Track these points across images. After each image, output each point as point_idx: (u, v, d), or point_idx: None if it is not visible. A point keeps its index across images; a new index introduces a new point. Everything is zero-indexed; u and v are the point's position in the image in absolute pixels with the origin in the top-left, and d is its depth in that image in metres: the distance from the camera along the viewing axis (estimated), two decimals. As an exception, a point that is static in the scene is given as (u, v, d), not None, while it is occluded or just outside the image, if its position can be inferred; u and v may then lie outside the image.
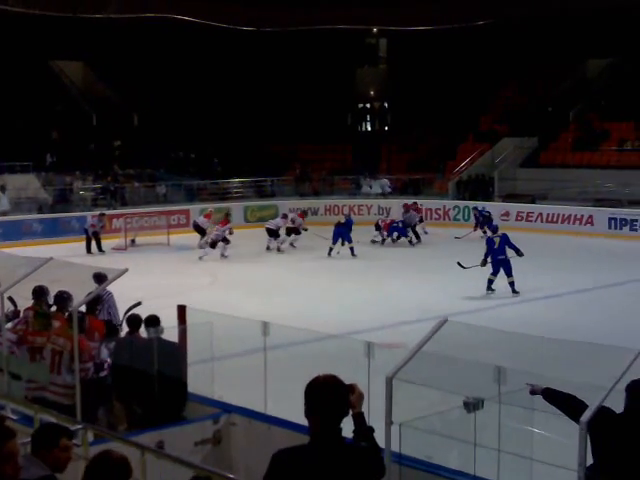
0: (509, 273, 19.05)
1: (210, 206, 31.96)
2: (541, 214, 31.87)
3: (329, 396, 4.21)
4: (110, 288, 10.84)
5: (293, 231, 28.16)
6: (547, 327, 15.01)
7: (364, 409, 6.81)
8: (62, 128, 38.65)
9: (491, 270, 19.31)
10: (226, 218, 27.56)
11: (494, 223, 20.36)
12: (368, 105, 50.60)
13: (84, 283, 9.92)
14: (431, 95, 41.84)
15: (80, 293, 9.62)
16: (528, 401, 6.56)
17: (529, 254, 25.04)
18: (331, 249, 25.85)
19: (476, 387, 6.68)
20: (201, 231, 28.21)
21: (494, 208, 32.74)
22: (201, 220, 28.86)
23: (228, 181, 38.55)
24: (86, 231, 28.06)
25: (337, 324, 15.66)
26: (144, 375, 8.88)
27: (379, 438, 6.05)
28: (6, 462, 4.60)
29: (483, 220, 28.46)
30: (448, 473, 6.66)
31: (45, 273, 9.84)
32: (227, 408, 8.89)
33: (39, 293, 10.26)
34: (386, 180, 38.02)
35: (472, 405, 6.33)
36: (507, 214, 32.52)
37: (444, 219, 34.41)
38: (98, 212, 29.42)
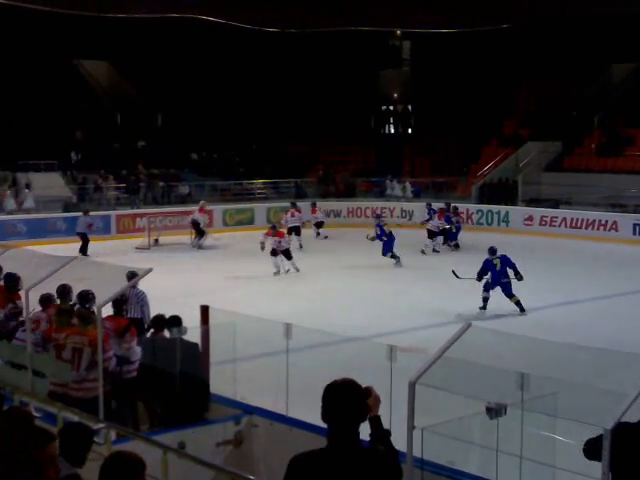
0: (510, 294, 17.97)
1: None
2: (565, 219, 31.70)
3: (347, 400, 4.20)
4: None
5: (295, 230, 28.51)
6: (569, 333, 14.93)
7: (385, 413, 6.82)
8: (87, 127, 38.88)
9: (483, 289, 18.22)
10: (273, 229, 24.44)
11: (493, 245, 18.76)
12: (391, 107, 50.56)
13: (108, 281, 9.96)
14: (455, 98, 41.75)
15: (105, 291, 9.66)
16: (551, 408, 6.53)
17: (552, 259, 25.05)
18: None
19: (499, 393, 6.65)
20: (197, 228, 28.49)
21: (518, 212, 32.62)
22: (197, 216, 29.00)
23: (251, 182, 38.63)
24: (80, 233, 27.41)
25: (359, 327, 15.65)
26: (167, 375, 8.91)
27: (401, 443, 6.07)
28: (48, 465, 4.64)
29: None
30: (470, 479, 6.64)
31: (69, 271, 9.89)
32: (249, 409, 8.90)
33: (63, 292, 10.33)
34: (409, 183, 37.96)
35: (495, 411, 6.30)
36: (531, 219, 32.39)
37: (467, 223, 34.26)
38: (83, 210, 28.95)
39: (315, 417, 6.95)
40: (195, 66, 41.78)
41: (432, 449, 6.28)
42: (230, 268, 23.71)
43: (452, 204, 30.56)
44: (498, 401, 6.41)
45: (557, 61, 40.15)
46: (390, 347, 7.79)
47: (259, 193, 38.20)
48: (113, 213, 32.36)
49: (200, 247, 28.43)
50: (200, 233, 28.78)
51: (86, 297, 9.69)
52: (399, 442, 6.05)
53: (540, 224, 32.10)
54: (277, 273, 22.60)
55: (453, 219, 28.71)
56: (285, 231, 28.20)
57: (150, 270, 9.04)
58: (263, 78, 43.11)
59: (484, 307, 17.96)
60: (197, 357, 9.20)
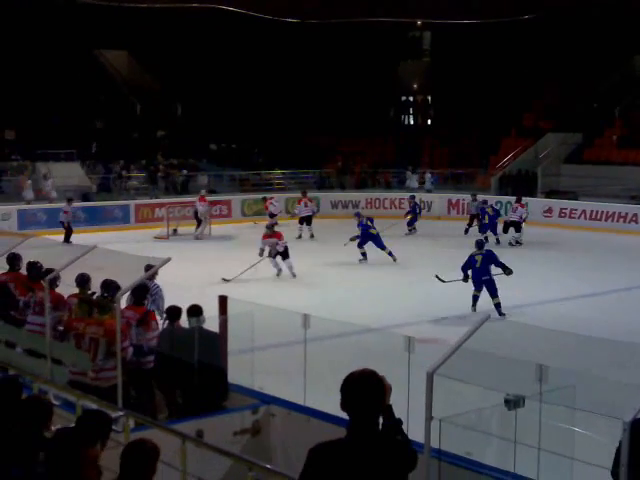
0: (494, 294, 16.95)
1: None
2: (584, 211, 31.51)
3: (366, 391, 4.19)
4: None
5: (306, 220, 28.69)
6: (588, 325, 14.86)
7: (403, 403, 6.82)
8: (106, 117, 39.02)
9: (473, 287, 17.36)
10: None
11: (479, 239, 17.96)
12: (411, 98, 50.43)
13: (128, 271, 9.98)
14: (474, 89, 41.61)
15: (124, 281, 9.69)
16: (569, 400, 6.50)
17: (572, 251, 24.92)
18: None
19: (517, 385, 6.63)
20: (196, 218, 28.73)
21: (537, 204, 32.42)
22: (197, 205, 29.09)
23: (269, 172, 38.64)
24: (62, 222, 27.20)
25: (376, 317, 15.64)
26: (185, 364, 8.94)
27: (419, 433, 6.07)
28: (90, 467, 4.70)
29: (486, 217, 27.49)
30: (487, 470, 6.62)
31: (89, 261, 9.93)
32: (266, 399, 8.92)
33: (82, 281, 10.37)
34: (429, 174, 37.83)
35: (513, 403, 6.28)
36: (550, 210, 32.23)
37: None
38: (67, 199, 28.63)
39: (332, 407, 6.97)
40: (215, 56, 41.84)
41: (450, 440, 6.27)
42: (247, 258, 23.68)
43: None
44: (516, 393, 6.39)
45: (578, 52, 39.87)
46: (408, 338, 7.78)
47: (277, 184, 38.20)
48: (132, 203, 32.47)
49: (197, 238, 28.32)
50: (199, 223, 28.82)
51: (110, 286, 9.69)
52: (416, 432, 6.07)
53: (559, 216, 31.94)
54: (279, 274, 21.17)
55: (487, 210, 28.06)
56: (297, 220, 28.51)
57: (168, 260, 9.06)
58: (283, 69, 43.12)
59: (474, 306, 17.05)
60: (216, 346, 9.22)
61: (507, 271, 17.54)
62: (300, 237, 28.26)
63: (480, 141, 40.37)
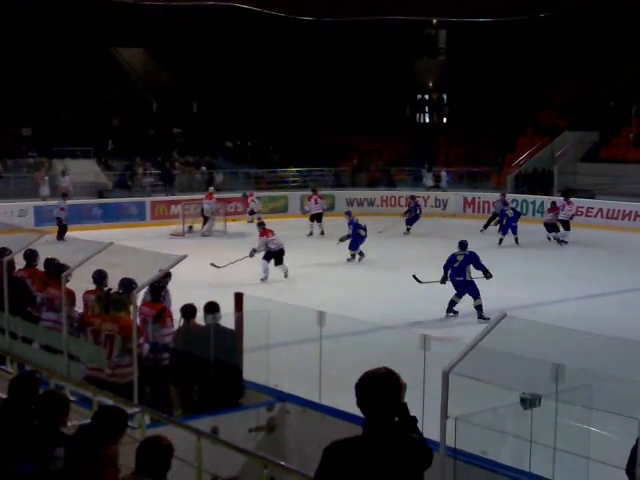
0: (475, 296, 16.43)
1: (249, 191, 32.12)
2: (601, 209, 31.39)
3: (383, 390, 4.18)
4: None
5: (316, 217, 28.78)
6: (604, 325, 14.79)
7: (418, 402, 6.81)
8: (122, 114, 39.12)
9: (455, 291, 16.85)
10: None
11: (464, 240, 17.27)
12: (426, 96, 50.35)
13: (143, 268, 10.00)
14: (490, 87, 41.48)
15: (139, 278, 9.71)
16: (586, 399, 6.48)
17: (588, 249, 24.81)
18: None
19: (533, 384, 6.61)
20: (203, 215, 28.88)
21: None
22: (203, 203, 29.16)
23: (285, 170, 38.67)
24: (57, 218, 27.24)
25: (391, 316, 15.63)
26: (201, 361, 8.96)
27: (434, 432, 6.06)
28: (109, 465, 4.73)
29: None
30: (503, 469, 6.61)
31: (105, 257, 9.96)
32: (281, 396, 8.93)
33: (99, 277, 10.40)
34: (444, 172, 37.74)
35: (529, 402, 6.26)
36: (566, 209, 32.06)
37: (501, 213, 34.06)
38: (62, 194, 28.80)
39: (347, 405, 6.97)
40: (231, 54, 41.89)
41: (465, 439, 6.26)
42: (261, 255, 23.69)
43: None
44: (532, 392, 6.37)
45: (595, 50, 39.71)
46: (424, 336, 7.77)
47: (293, 181, 38.22)
48: (148, 200, 32.59)
49: (204, 235, 28.41)
50: (205, 220, 28.91)
51: (128, 285, 9.70)
52: (432, 431, 6.06)
53: (576, 214, 31.76)
54: (264, 279, 20.04)
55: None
56: (308, 218, 28.79)
57: (184, 257, 9.07)
58: (299, 66, 43.12)
59: (448, 311, 16.60)
60: (232, 343, 9.24)
61: (487, 274, 16.90)
62: (311, 234, 28.43)
63: (496, 139, 40.23)
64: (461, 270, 16.62)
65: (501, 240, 26.16)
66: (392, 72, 44.35)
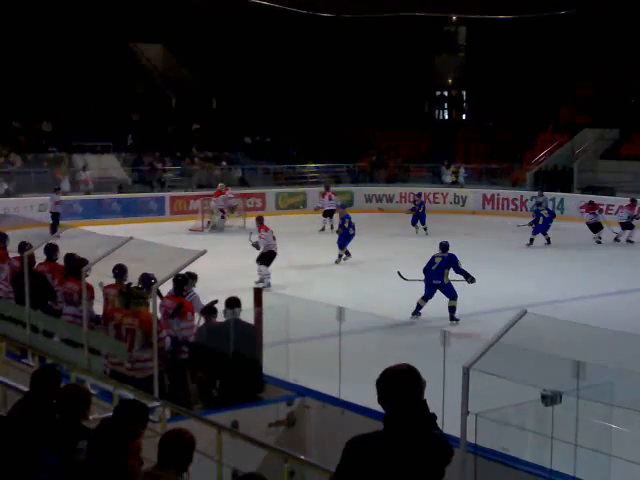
0: (452, 296, 15.79)
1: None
2: (621, 207, 31.13)
3: (403, 385, 4.18)
4: (188, 269, 10.96)
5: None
6: (625, 322, 14.71)
7: (438, 398, 6.80)
8: (142, 110, 39.24)
9: (423, 292, 16.07)
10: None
11: (445, 241, 16.48)
12: (446, 93, 50.22)
13: (163, 263, 10.03)
14: (510, 84, 41.30)
15: (159, 272, 9.75)
16: (607, 396, 6.45)
17: (607, 246, 24.69)
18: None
19: (554, 381, 6.58)
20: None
21: (573, 200, 32.12)
22: (212, 201, 29.22)
23: (304, 166, 38.67)
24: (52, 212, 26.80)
25: (409, 311, 15.62)
26: (221, 355, 8.98)
27: (455, 428, 6.05)
28: (133, 458, 4.78)
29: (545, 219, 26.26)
30: (523, 466, 6.59)
31: (124, 252, 10.00)
32: (301, 391, 8.94)
33: (120, 272, 10.45)
34: (463, 169, 37.65)
35: (550, 398, 6.24)
36: (586, 206, 31.90)
37: (521, 210, 33.95)
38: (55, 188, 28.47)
39: (367, 400, 6.97)
40: (250, 50, 41.90)
41: (486, 435, 6.25)
42: (282, 251, 23.71)
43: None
44: (553, 389, 6.34)
45: (615, 47, 39.45)
46: (444, 332, 7.76)
47: (312, 177, 38.23)
48: (167, 195, 32.70)
49: (214, 228, 28.50)
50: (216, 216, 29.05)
51: (147, 280, 9.75)
52: (452, 427, 6.05)
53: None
54: (260, 282, 18.17)
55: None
56: (321, 214, 28.91)
57: (204, 252, 9.09)
58: (318, 63, 43.08)
59: (414, 314, 15.85)
60: (252, 338, 9.26)
61: (469, 279, 16.06)
62: (323, 229, 28.64)
63: (516, 136, 40.06)
64: (439, 273, 15.83)
65: (532, 240, 25.70)
66: (411, 69, 44.25)
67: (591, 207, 27.07)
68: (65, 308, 10.88)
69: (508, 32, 42.71)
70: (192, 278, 11.04)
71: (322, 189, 31.10)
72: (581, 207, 28.07)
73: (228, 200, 29.37)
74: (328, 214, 28.89)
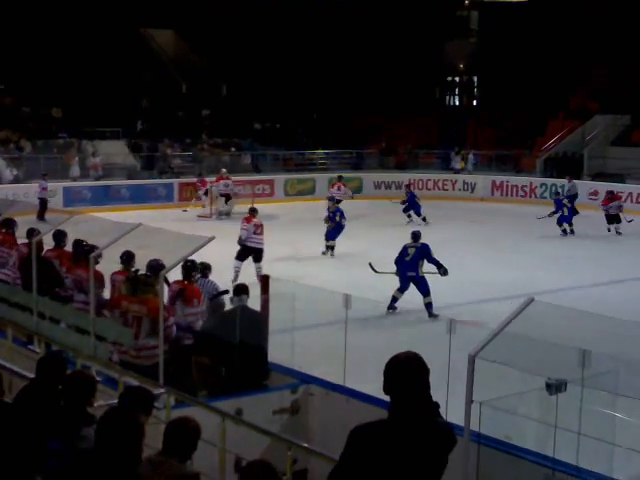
0: (425, 292, 15.24)
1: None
2: (631, 194, 31.08)
3: (409, 374, 4.17)
4: (196, 255, 10.97)
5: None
6: (629, 310, 14.67)
7: (443, 386, 6.80)
8: (152, 96, 39.21)
9: (399, 285, 15.41)
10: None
11: (416, 230, 15.85)
12: (457, 79, 50.01)
13: (172, 249, 10.03)
14: (522, 70, 41.09)
15: (168, 259, 9.75)
16: (612, 385, 6.44)
17: (616, 235, 24.60)
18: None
19: (559, 369, 6.58)
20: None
21: (583, 187, 32.04)
22: (213, 186, 29.24)
23: (313, 152, 38.61)
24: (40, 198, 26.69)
25: (415, 299, 15.59)
26: (227, 343, 8.99)
27: (459, 416, 6.06)
28: (138, 445, 4.82)
29: None
30: (527, 454, 6.60)
31: (133, 238, 10.01)
32: (306, 378, 8.95)
33: (127, 258, 10.45)
34: (472, 156, 37.54)
35: (555, 387, 6.23)
36: (595, 193, 31.79)
37: (530, 197, 33.90)
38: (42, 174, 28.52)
39: (371, 388, 6.98)
40: (261, 36, 41.79)
41: (490, 423, 6.25)
42: (290, 238, 23.76)
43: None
44: (558, 377, 6.34)
45: (627, 33, 39.18)
46: (450, 320, 7.75)
47: (321, 163, 38.18)
48: (176, 181, 32.70)
49: (220, 214, 28.49)
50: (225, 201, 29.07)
51: (156, 266, 9.73)
52: (457, 415, 6.05)
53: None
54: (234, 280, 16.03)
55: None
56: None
57: (212, 238, 9.08)
58: (328, 49, 42.92)
59: (390, 308, 15.20)
60: (258, 325, 9.27)
61: (441, 270, 15.35)
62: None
63: (526, 123, 39.90)
64: (413, 264, 15.14)
65: (569, 231, 25.32)
66: (422, 54, 44.04)
67: (610, 199, 26.35)
68: (76, 295, 10.90)
69: (520, 17, 42.44)
70: (206, 269, 11.01)
71: (334, 178, 30.95)
72: (602, 203, 26.86)
73: (225, 188, 29.18)
74: (337, 203, 28.79)
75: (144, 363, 8.78)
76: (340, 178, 30.01)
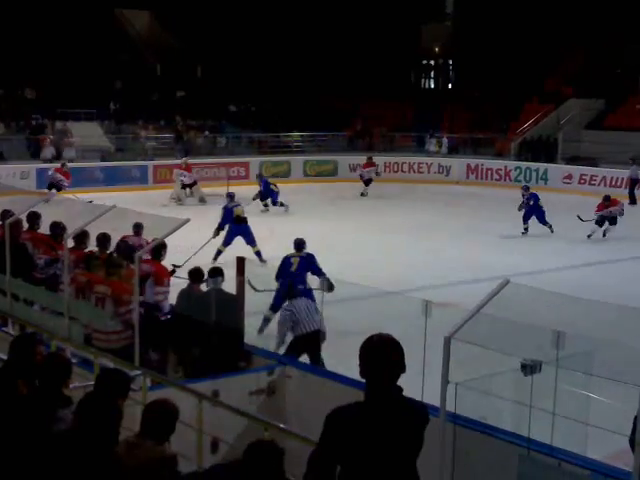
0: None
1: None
2: (605, 178, 31.29)
3: (385, 356, 4.18)
4: (169, 238, 10.93)
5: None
6: (606, 292, 14.77)
7: (419, 368, 6.83)
8: (126, 77, 38.93)
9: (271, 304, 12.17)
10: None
11: (300, 238, 13.57)
12: (432, 62, 50.02)
13: (148, 231, 9.99)
14: (497, 54, 41.16)
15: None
16: (586, 366, 6.49)
17: (590, 217, 24.69)
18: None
19: (534, 350, 6.62)
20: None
21: (557, 170, 32.19)
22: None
23: (288, 135, 38.52)
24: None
25: (391, 281, 15.62)
26: (202, 325, 8.97)
27: (435, 397, 6.09)
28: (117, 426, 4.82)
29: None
30: (502, 434, 6.65)
31: (108, 220, 9.95)
32: (282, 360, 8.97)
33: (102, 240, 10.39)
34: (445, 139, 37.65)
35: (529, 368, 6.28)
36: (570, 177, 32.03)
37: (505, 180, 34.02)
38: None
39: (347, 369, 6.99)
40: (235, 18, 41.57)
41: (465, 404, 6.28)
42: (265, 221, 23.72)
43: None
44: (533, 358, 6.38)
45: (602, 17, 39.33)
46: (425, 302, 7.76)
47: (296, 146, 38.10)
48: (150, 163, 32.51)
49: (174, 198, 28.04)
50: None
51: (124, 249, 9.67)
52: (432, 397, 6.09)
53: (579, 182, 31.75)
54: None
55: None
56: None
57: (187, 221, 9.04)
58: (304, 31, 42.77)
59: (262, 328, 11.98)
60: (233, 307, 9.26)
61: (327, 283, 11.03)
62: (362, 194, 30.38)
63: (501, 106, 40.01)
64: (302, 277, 12.51)
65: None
66: (398, 37, 44.00)
67: (606, 204, 23.16)
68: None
69: (496, 1, 42.49)
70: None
71: (366, 159, 32.29)
72: (597, 210, 23.23)
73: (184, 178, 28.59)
74: (367, 182, 30.69)
75: (114, 346, 8.71)
76: (370, 158, 31.75)
